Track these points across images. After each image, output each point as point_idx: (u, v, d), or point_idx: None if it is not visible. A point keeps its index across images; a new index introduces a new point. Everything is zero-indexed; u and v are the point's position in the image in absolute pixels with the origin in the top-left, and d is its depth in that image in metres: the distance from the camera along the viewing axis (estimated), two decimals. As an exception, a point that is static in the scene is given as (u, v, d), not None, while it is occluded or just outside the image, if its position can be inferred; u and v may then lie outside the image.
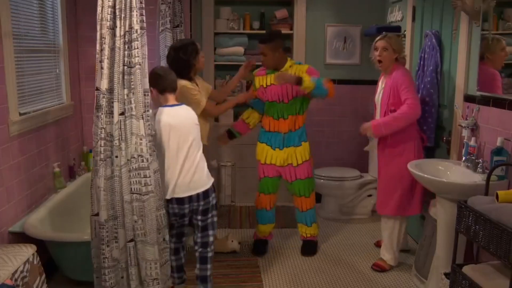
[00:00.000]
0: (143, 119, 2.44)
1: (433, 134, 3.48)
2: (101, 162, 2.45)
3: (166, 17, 3.63)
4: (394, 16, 4.37)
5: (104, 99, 2.43)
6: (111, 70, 2.42)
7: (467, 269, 2.33)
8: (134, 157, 2.46)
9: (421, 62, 3.58)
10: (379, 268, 3.46)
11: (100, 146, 2.44)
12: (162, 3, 3.58)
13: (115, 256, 2.55)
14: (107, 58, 2.40)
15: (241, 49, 4.65)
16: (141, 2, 2.41)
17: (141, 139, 2.44)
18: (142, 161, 2.45)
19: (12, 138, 2.90)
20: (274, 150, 3.54)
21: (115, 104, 2.42)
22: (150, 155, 2.47)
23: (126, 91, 2.44)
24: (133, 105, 2.43)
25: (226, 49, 4.65)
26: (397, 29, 4.25)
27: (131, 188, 2.48)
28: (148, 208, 2.49)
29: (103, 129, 2.44)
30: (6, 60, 2.83)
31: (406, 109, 3.17)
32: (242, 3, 4.80)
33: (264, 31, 4.73)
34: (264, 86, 3.53)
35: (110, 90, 2.43)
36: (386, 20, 4.60)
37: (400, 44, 3.40)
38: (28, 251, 2.42)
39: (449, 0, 3.09)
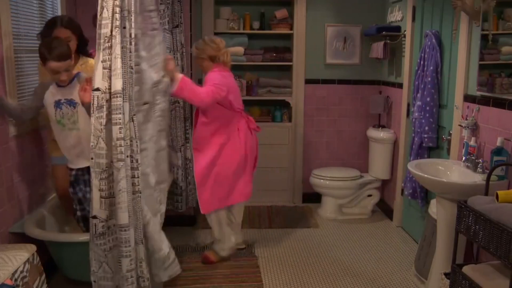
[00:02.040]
0: (132, 121, 2.43)
1: (435, 134, 3.48)
2: (121, 162, 2.37)
3: (164, 17, 3.61)
4: (394, 16, 4.37)
5: (120, 98, 2.36)
6: (123, 70, 2.37)
7: (467, 269, 2.33)
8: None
9: (421, 62, 3.58)
10: (207, 260, 3.54)
11: (120, 146, 2.37)
12: (161, 3, 3.57)
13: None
14: (120, 58, 2.34)
15: (241, 49, 4.65)
16: (136, 5, 2.43)
17: (131, 140, 2.43)
18: (132, 162, 2.44)
19: (12, 138, 2.90)
20: None
21: (125, 105, 2.37)
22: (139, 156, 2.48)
23: None
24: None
25: (226, 49, 4.65)
26: (397, 29, 4.25)
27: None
28: (136, 207, 2.48)
29: (121, 129, 2.37)
30: (6, 60, 2.83)
31: (204, 90, 3.23)
32: (242, 3, 4.80)
33: (264, 31, 4.75)
34: None
35: (121, 90, 2.36)
36: (386, 20, 4.60)
37: (207, 47, 3.40)
38: (28, 251, 2.42)
39: (449, 0, 3.09)
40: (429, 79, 3.44)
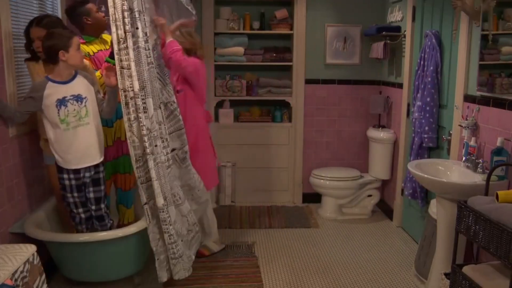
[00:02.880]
0: (160, 108, 2.80)
1: (435, 135, 3.48)
2: (149, 155, 2.72)
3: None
4: (394, 16, 4.37)
5: (139, 99, 2.66)
6: (139, 70, 2.64)
7: (467, 269, 2.33)
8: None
9: (421, 62, 3.58)
10: (201, 255, 3.62)
11: (144, 142, 2.71)
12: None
13: (171, 232, 2.83)
14: (133, 60, 2.60)
15: (241, 49, 4.65)
16: (144, 6, 2.58)
17: (159, 125, 2.78)
18: (163, 142, 2.81)
19: (12, 138, 2.90)
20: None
21: (149, 100, 2.67)
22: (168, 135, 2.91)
23: None
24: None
25: (226, 49, 4.65)
26: (397, 29, 4.25)
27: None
28: (172, 177, 2.91)
29: (143, 126, 2.69)
30: (6, 60, 2.83)
31: (190, 59, 3.28)
32: (242, 3, 4.80)
33: (264, 31, 4.75)
34: (91, 54, 3.23)
35: (142, 88, 2.65)
36: (386, 20, 4.60)
37: (184, 40, 3.39)
38: (28, 251, 2.42)
39: (449, 0, 3.09)
40: (429, 79, 3.44)
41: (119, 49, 2.61)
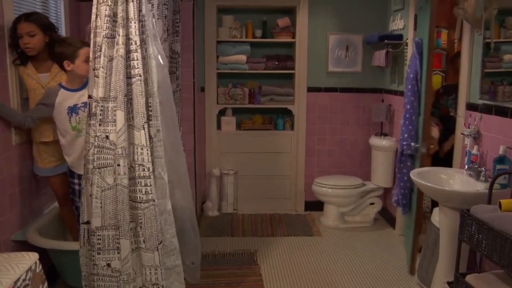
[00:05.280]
0: (144, 129, 2.42)
1: (414, 142, 3.46)
2: (95, 169, 2.41)
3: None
4: (396, 24, 4.38)
5: (108, 107, 2.40)
6: (107, 80, 2.39)
7: (470, 278, 2.32)
8: (132, 166, 2.45)
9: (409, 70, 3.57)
10: None
11: (94, 154, 2.41)
12: (158, 17, 3.61)
13: (116, 267, 2.47)
14: (102, 67, 2.37)
15: (243, 57, 4.67)
16: (140, 13, 2.41)
17: (141, 149, 2.44)
18: (143, 170, 2.45)
19: (15, 146, 2.91)
20: None
21: (118, 113, 2.38)
22: (152, 164, 2.47)
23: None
24: (130, 116, 2.43)
25: (228, 57, 4.67)
26: (399, 37, 4.26)
27: (134, 197, 2.47)
28: (148, 215, 2.47)
29: (96, 137, 2.41)
30: (10, 68, 2.84)
31: None
32: (245, 11, 4.82)
33: (266, 40, 4.77)
34: None
35: (114, 98, 2.39)
36: (388, 28, 4.62)
37: None
38: (30, 259, 2.41)
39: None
40: (409, 86, 3.43)
41: (95, 58, 2.40)
